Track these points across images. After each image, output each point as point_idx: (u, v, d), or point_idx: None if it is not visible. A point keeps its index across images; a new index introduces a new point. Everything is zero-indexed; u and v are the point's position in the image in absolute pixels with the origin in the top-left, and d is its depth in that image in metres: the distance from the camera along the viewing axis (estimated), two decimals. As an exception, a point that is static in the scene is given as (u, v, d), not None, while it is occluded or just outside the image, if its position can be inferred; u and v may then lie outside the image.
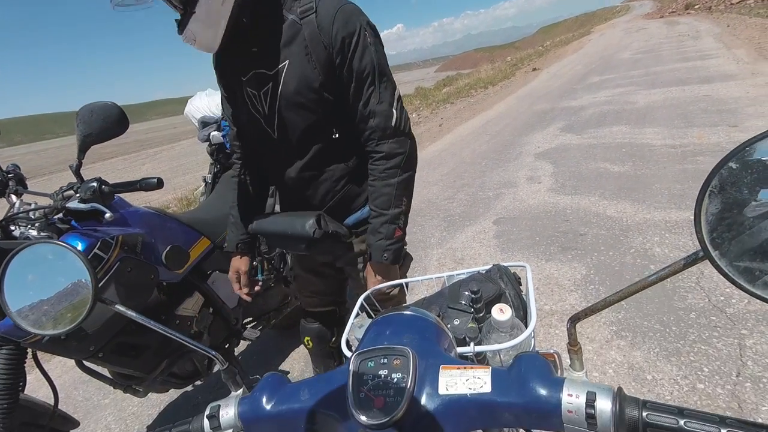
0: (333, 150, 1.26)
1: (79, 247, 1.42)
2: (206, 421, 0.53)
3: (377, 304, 0.91)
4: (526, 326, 0.67)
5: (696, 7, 27.18)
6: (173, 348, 1.77)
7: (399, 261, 1.25)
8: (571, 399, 0.37)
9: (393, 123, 1.18)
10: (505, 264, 0.81)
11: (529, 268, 0.78)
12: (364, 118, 1.19)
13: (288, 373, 2.24)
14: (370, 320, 0.78)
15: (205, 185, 2.62)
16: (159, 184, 1.60)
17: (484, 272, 0.82)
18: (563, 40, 26.30)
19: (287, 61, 1.17)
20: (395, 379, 0.43)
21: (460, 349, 0.63)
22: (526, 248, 2.90)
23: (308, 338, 1.65)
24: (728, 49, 9.05)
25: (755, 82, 5.83)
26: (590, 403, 0.37)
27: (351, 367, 0.46)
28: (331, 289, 1.56)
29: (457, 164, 5.07)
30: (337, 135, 1.24)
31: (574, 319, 0.45)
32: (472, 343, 0.62)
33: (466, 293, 0.70)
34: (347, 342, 0.77)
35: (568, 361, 0.52)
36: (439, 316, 0.74)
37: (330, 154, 1.27)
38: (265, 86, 1.19)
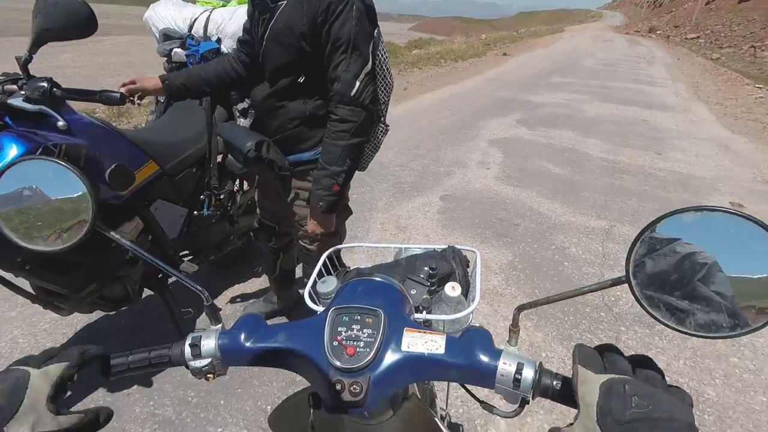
0: (295, 91, 1.45)
1: (15, 151, 1.32)
2: (188, 348, 0.58)
3: (337, 260, 0.99)
4: (469, 304, 0.80)
5: (658, 32, 28.83)
6: (107, 271, 1.72)
7: (333, 211, 1.49)
8: (505, 366, 0.49)
9: (353, 93, 1.33)
10: (458, 247, 0.93)
11: (479, 254, 0.90)
12: (330, 80, 1.35)
13: (219, 311, 2.27)
14: (334, 277, 0.87)
15: (157, 104, 2.44)
16: (121, 100, 1.50)
17: (439, 251, 0.93)
18: (537, 31, 26.73)
19: (285, 2, 1.32)
20: (366, 334, 0.51)
21: (414, 315, 0.73)
22: (465, 228, 3.11)
23: (257, 235, 2.03)
24: (673, 82, 9.85)
25: (684, 118, 6.49)
26: (519, 370, 0.48)
27: (328, 318, 0.53)
28: (279, 211, 1.79)
29: (415, 133, 5.15)
30: (302, 80, 1.41)
31: (520, 308, 0.56)
32: (424, 312, 0.73)
33: (426, 268, 0.80)
34: (310, 294, 0.84)
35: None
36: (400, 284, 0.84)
37: (292, 93, 1.45)
38: (265, 14, 1.36)
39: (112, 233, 0.59)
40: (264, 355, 0.57)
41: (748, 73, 10.36)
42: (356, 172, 1.54)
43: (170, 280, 2.28)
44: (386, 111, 1.65)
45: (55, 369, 0.47)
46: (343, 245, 1.03)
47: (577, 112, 6.46)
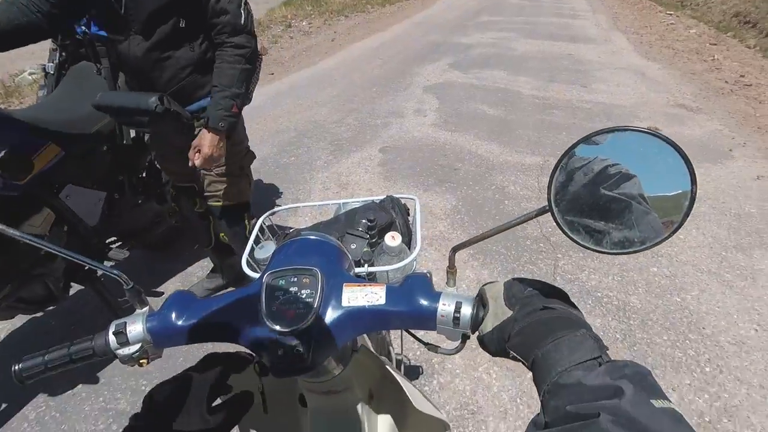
0: (179, 37, 1.42)
1: None
2: (112, 337, 0.54)
3: (275, 227, 0.95)
4: (411, 251, 0.79)
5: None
6: (20, 270, 1.55)
7: (232, 131, 1.51)
8: (444, 307, 0.50)
9: (242, 21, 1.40)
10: (397, 195, 0.91)
11: (418, 201, 0.89)
12: (216, 13, 1.38)
13: (162, 294, 2.16)
14: (272, 242, 0.82)
15: (46, 76, 2.13)
16: None
17: (378, 202, 0.91)
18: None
19: None
20: (304, 295, 0.49)
21: (355, 270, 0.72)
22: (407, 177, 3.12)
23: (179, 203, 1.97)
24: (593, 13, 10.16)
25: (605, 49, 6.77)
26: (457, 309, 0.49)
27: (264, 283, 0.50)
28: (187, 170, 1.72)
29: (348, 86, 4.98)
30: (183, 24, 1.39)
31: (455, 249, 0.56)
32: (366, 265, 0.72)
33: (363, 221, 0.78)
34: (248, 262, 0.80)
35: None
36: (339, 240, 0.81)
37: (176, 40, 1.42)
38: None
39: (10, 231, 0.51)
40: (200, 331, 0.54)
41: (660, 1, 10.89)
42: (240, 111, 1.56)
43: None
44: None
45: None
46: (278, 208, 0.98)
47: (507, 51, 6.52)
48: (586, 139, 0.42)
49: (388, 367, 0.66)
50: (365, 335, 0.82)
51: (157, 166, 2.04)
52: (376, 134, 3.81)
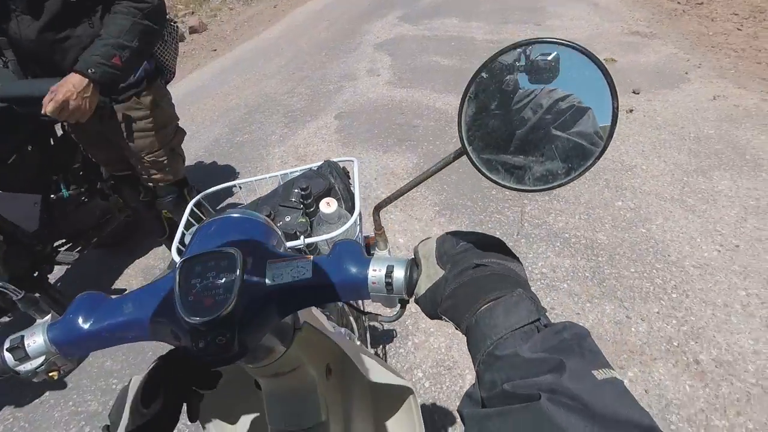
0: (72, 13, 1.27)
1: None
2: (7, 354, 0.48)
3: (205, 205, 0.88)
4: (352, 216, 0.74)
5: None
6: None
7: (109, 86, 1.32)
8: (375, 273, 0.45)
9: None
10: (335, 159, 0.85)
11: (357, 162, 0.83)
12: None
13: (125, 291, 2.06)
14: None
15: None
16: None
17: (315, 169, 0.85)
18: None
19: None
20: (223, 280, 0.44)
21: (290, 243, 0.66)
22: (366, 141, 3.03)
23: (121, 194, 1.90)
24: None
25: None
26: (389, 273, 0.45)
27: (178, 272, 0.45)
28: (116, 157, 1.65)
29: (296, 54, 4.74)
30: None
31: (377, 208, 0.51)
32: (302, 237, 0.67)
33: (296, 191, 0.72)
34: (178, 249, 0.74)
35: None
36: (270, 215, 0.75)
37: (70, 17, 1.27)
38: None
39: None
40: (112, 334, 0.49)
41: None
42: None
43: (54, 276, 2.00)
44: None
45: None
46: (210, 189, 0.91)
47: (456, -3, 6.31)
48: (492, 61, 0.37)
49: (337, 341, 0.63)
50: (316, 309, 0.78)
51: (91, 159, 1.89)
52: (330, 101, 3.66)
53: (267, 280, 0.46)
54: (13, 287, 0.50)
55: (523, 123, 0.37)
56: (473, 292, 0.40)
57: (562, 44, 0.34)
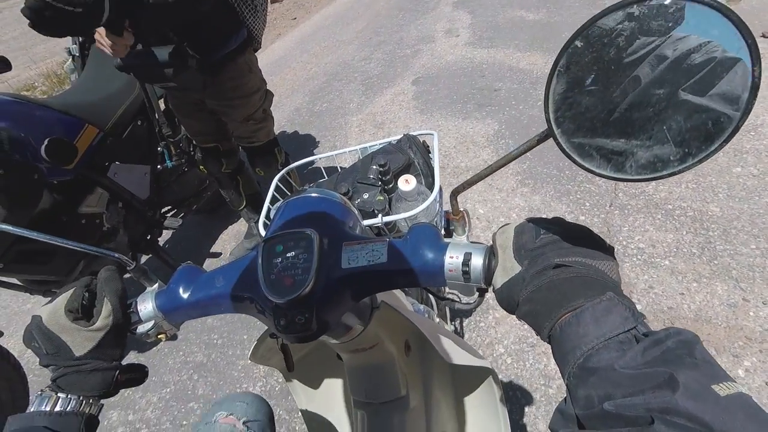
0: None
1: None
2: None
3: (292, 183, 0.91)
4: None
5: None
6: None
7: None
8: (452, 260, 0.43)
9: None
10: (414, 133, 0.82)
11: (437, 135, 0.79)
12: None
13: (220, 255, 2.27)
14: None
15: (72, 59, 2.17)
16: (5, 65, 1.30)
17: (394, 143, 0.82)
18: None
19: None
20: (301, 260, 0.45)
21: (368, 222, 0.66)
22: (444, 107, 2.92)
23: (201, 167, 1.98)
24: None
25: None
26: (466, 261, 0.43)
27: (260, 252, 0.47)
28: (208, 128, 1.76)
29: (373, 18, 4.64)
30: None
31: (455, 192, 0.49)
32: (380, 215, 0.66)
33: (374, 167, 0.71)
34: (264, 224, 0.78)
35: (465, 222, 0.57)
36: (348, 192, 0.75)
37: None
38: None
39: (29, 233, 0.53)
40: (206, 305, 0.53)
41: None
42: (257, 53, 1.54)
43: (162, 239, 2.25)
44: None
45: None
46: (295, 163, 0.93)
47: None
48: (589, 26, 0.31)
49: (414, 321, 0.62)
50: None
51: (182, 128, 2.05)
52: (407, 65, 3.56)
53: (343, 263, 0.46)
54: (126, 258, 0.56)
55: (633, 85, 0.30)
56: (554, 298, 0.35)
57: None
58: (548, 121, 0.34)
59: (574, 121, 0.33)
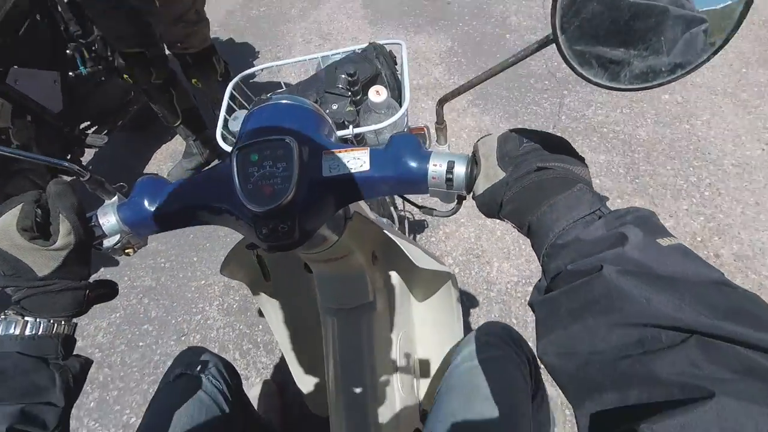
0: None
1: None
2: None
3: (246, 91, 0.84)
4: (401, 105, 0.70)
5: None
6: (-4, 167, 1.48)
7: None
8: (435, 168, 0.44)
9: None
10: (380, 42, 0.77)
11: (405, 45, 0.75)
12: None
13: (157, 175, 2.11)
14: (245, 111, 0.73)
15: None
16: None
17: (360, 52, 0.77)
18: None
19: None
20: (280, 169, 0.44)
21: (339, 133, 0.64)
22: (395, 19, 2.75)
23: (125, 75, 1.76)
24: None
25: None
26: (450, 169, 0.44)
27: (235, 160, 0.45)
28: (129, 31, 1.56)
29: None
30: None
31: (442, 101, 0.48)
32: (351, 126, 0.63)
33: (343, 76, 0.66)
34: (222, 135, 0.72)
35: (435, 136, 0.57)
36: (316, 102, 0.71)
37: None
38: None
39: None
40: (175, 217, 0.51)
41: None
42: None
43: (85, 159, 2.03)
44: None
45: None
46: (248, 71, 0.85)
47: None
48: None
49: (384, 230, 0.64)
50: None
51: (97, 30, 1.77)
52: (355, -33, 3.23)
53: (324, 171, 0.45)
54: (78, 167, 0.50)
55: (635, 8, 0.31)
56: (535, 195, 0.39)
57: None
58: (553, 26, 0.34)
59: (579, 28, 0.33)
